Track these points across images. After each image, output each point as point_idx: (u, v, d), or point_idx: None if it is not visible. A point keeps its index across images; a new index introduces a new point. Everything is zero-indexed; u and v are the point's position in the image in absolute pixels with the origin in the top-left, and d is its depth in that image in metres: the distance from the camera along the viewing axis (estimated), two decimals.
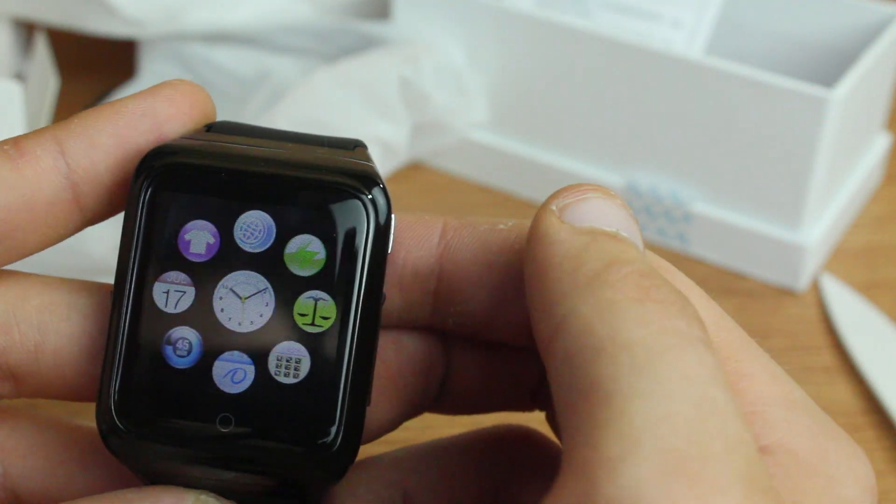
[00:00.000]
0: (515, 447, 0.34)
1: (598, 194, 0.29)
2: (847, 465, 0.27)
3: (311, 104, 0.61)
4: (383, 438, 0.32)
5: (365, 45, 0.68)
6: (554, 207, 0.28)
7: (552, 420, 0.33)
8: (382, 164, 0.63)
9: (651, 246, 0.63)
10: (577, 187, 0.29)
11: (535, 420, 0.34)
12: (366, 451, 0.31)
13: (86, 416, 0.32)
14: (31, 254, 0.29)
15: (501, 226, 0.30)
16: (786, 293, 0.60)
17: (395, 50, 0.64)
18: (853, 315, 0.58)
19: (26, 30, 0.70)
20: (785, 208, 0.59)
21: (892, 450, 0.51)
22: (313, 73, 0.62)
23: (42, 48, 0.64)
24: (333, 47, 0.69)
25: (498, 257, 0.30)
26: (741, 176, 0.60)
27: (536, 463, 0.33)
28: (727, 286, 0.60)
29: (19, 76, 0.69)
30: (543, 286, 0.27)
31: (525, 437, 0.34)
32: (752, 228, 0.60)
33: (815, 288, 0.60)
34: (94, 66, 0.73)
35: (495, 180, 0.67)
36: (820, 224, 0.60)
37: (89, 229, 0.31)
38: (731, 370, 0.28)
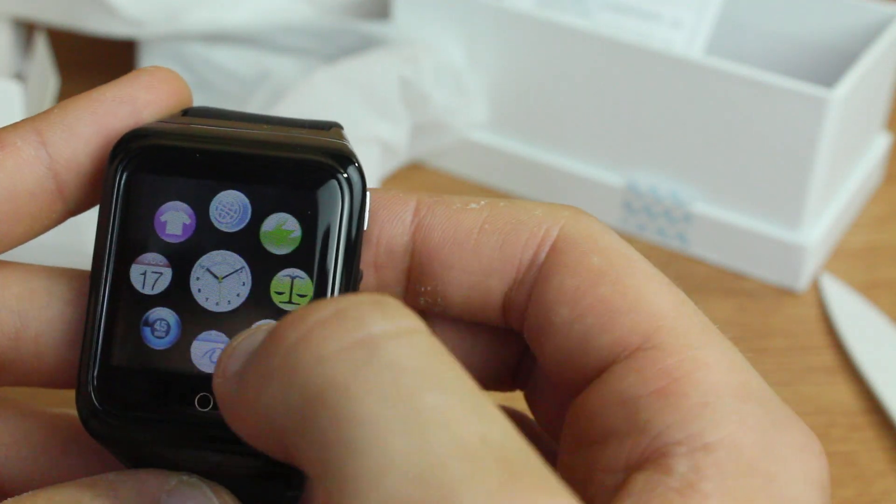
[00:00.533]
0: None
1: (244, 335, 0.26)
2: (795, 459, 0.27)
3: (311, 104, 0.61)
4: None
5: (365, 45, 0.68)
6: (220, 379, 0.26)
7: (530, 399, 0.33)
8: (382, 164, 0.63)
9: (651, 246, 0.63)
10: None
11: (515, 399, 0.34)
12: None
13: (68, 406, 0.32)
14: (17, 245, 0.30)
15: (473, 205, 0.31)
16: (786, 293, 0.60)
17: (395, 50, 0.64)
18: (853, 315, 0.58)
19: (26, 30, 0.70)
20: (785, 208, 0.59)
21: (892, 450, 0.51)
22: (313, 73, 0.62)
23: (42, 48, 0.64)
24: (333, 47, 0.69)
25: (468, 237, 0.30)
26: (741, 176, 0.60)
27: None
28: (727, 286, 0.60)
29: (19, 76, 0.69)
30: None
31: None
32: (752, 228, 0.60)
33: (815, 288, 0.60)
34: (94, 66, 0.73)
35: (495, 180, 0.67)
36: (820, 224, 0.60)
37: (84, 227, 0.31)
38: (688, 358, 0.28)
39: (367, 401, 0.22)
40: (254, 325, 0.26)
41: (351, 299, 0.24)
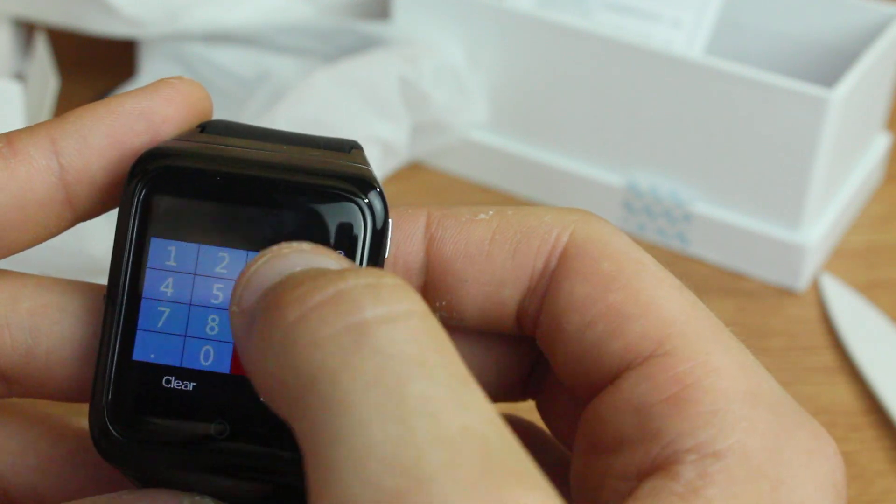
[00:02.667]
0: None
1: (261, 262, 0.26)
2: (804, 463, 0.27)
3: (311, 104, 0.61)
4: None
5: (365, 45, 0.68)
6: (235, 308, 0.26)
7: (542, 407, 0.33)
8: (382, 164, 0.63)
9: (651, 246, 0.63)
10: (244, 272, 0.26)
11: (526, 409, 0.35)
12: None
13: (77, 414, 0.32)
14: (22, 250, 0.29)
15: (482, 216, 0.30)
16: (786, 293, 0.60)
17: (395, 50, 0.64)
18: (853, 315, 0.58)
19: (26, 30, 0.70)
20: (785, 208, 0.59)
21: (892, 450, 0.51)
22: (313, 73, 0.62)
23: (42, 48, 0.64)
24: (333, 47, 0.69)
25: (479, 249, 0.30)
26: (741, 176, 0.60)
27: (527, 449, 0.33)
28: (727, 286, 0.60)
29: (19, 76, 0.69)
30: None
31: (515, 425, 0.34)
32: (752, 228, 0.60)
33: (815, 288, 0.60)
34: (94, 66, 0.73)
35: (495, 180, 0.67)
36: (820, 224, 0.60)
37: (90, 231, 0.31)
38: (699, 364, 0.28)
39: (353, 388, 0.22)
40: (266, 252, 0.26)
41: (349, 280, 0.24)
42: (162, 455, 0.28)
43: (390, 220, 0.29)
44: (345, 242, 0.28)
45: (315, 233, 0.28)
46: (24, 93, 0.56)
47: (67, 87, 0.66)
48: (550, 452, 0.33)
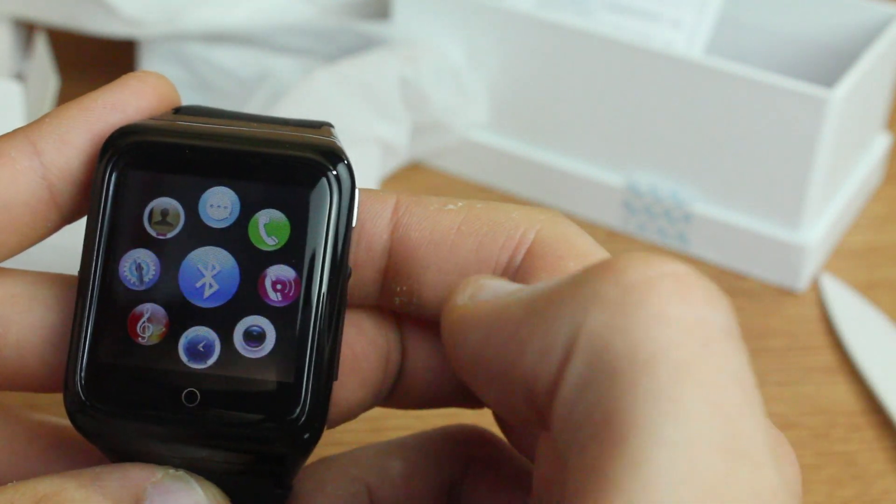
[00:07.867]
0: (468, 444, 0.34)
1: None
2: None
3: (311, 104, 0.61)
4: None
5: (365, 45, 0.68)
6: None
7: (500, 418, 0.33)
8: (382, 164, 0.63)
9: (651, 246, 0.63)
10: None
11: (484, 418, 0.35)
12: (336, 438, 0.31)
13: (50, 411, 0.32)
14: (12, 255, 0.30)
15: (451, 206, 0.31)
16: (786, 293, 0.60)
17: (395, 50, 0.64)
18: (853, 315, 0.58)
19: (26, 30, 0.70)
20: (785, 208, 0.59)
21: (892, 450, 0.51)
22: (313, 73, 0.62)
23: (42, 48, 0.64)
24: (333, 47, 0.69)
25: (445, 238, 0.30)
26: (741, 176, 0.60)
27: (487, 459, 0.34)
28: (727, 286, 0.60)
29: (19, 76, 0.69)
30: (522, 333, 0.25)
31: (476, 435, 0.34)
32: (752, 228, 0.60)
33: (815, 288, 0.60)
34: (94, 66, 0.73)
35: (495, 180, 0.67)
36: (820, 224, 0.60)
37: (81, 231, 0.31)
38: None
39: (696, 399, 0.21)
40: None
41: (690, 274, 0.22)
42: (137, 426, 0.29)
43: (357, 191, 0.29)
44: (312, 212, 0.29)
45: (283, 203, 0.29)
46: (24, 93, 0.56)
47: (67, 87, 0.66)
48: (508, 463, 0.34)
